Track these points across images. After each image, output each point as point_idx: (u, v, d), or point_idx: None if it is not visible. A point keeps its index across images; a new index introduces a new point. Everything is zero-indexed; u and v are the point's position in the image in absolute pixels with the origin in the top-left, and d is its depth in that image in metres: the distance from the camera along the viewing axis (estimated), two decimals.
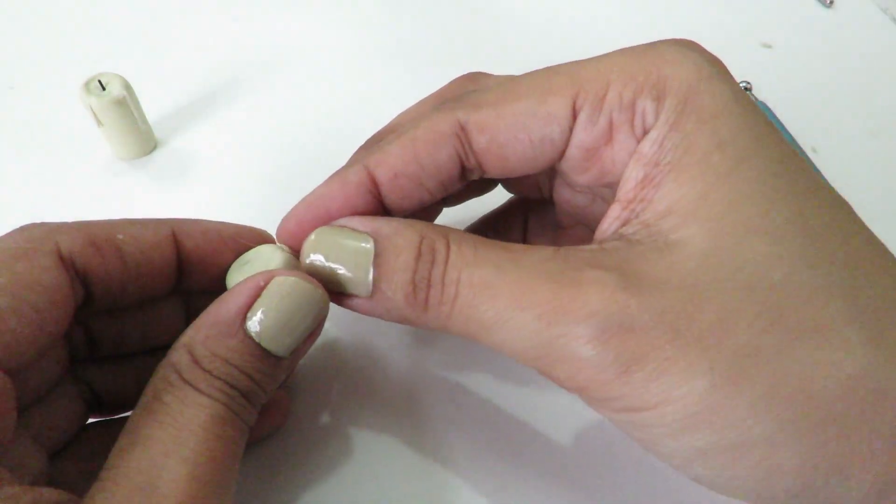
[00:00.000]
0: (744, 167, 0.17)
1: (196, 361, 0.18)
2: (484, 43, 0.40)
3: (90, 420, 0.23)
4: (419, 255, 0.19)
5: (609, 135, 0.19)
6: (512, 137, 0.20)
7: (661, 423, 0.17)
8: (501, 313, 0.18)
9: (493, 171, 0.21)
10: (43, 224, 0.20)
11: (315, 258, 0.20)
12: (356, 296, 0.20)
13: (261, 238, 0.23)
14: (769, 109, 0.38)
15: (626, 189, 0.19)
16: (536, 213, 0.26)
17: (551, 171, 0.23)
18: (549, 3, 0.43)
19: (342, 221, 0.20)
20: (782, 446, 0.16)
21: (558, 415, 0.26)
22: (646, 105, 0.18)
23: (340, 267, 0.20)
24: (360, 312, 0.20)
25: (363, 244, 0.19)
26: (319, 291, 0.20)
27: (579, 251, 0.18)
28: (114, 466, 0.17)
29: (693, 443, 0.17)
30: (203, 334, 0.19)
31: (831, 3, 0.44)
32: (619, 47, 0.20)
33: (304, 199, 0.21)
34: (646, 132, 0.18)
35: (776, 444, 0.16)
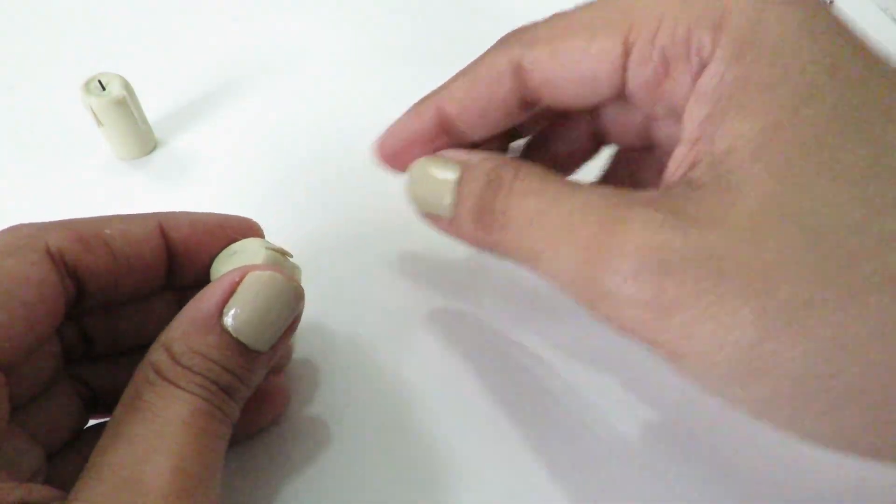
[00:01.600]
0: (815, 101, 0.16)
1: (175, 359, 0.19)
2: (484, 43, 0.40)
3: (91, 422, 0.23)
4: (488, 182, 0.20)
5: (666, 70, 0.18)
6: (565, 75, 0.20)
7: (713, 373, 0.16)
8: (548, 245, 0.19)
9: (550, 103, 0.22)
10: (31, 224, 0.20)
11: (413, 182, 0.23)
12: (442, 218, 0.22)
13: (247, 226, 0.23)
14: None
15: (689, 129, 0.18)
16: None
17: (641, 117, 0.23)
18: (548, 4, 0.42)
19: (442, 153, 0.23)
20: (843, 404, 0.15)
21: (559, 409, 0.26)
22: (702, 37, 0.17)
23: (431, 191, 0.22)
24: (445, 234, 0.22)
25: (450, 173, 0.21)
26: (293, 285, 0.20)
27: (640, 192, 0.18)
28: (97, 464, 0.17)
29: (754, 393, 0.16)
30: (181, 332, 0.19)
31: (831, 3, 0.44)
32: None
33: (388, 129, 0.24)
34: (703, 66, 0.17)
35: (843, 404, 0.15)
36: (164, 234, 0.22)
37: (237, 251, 0.22)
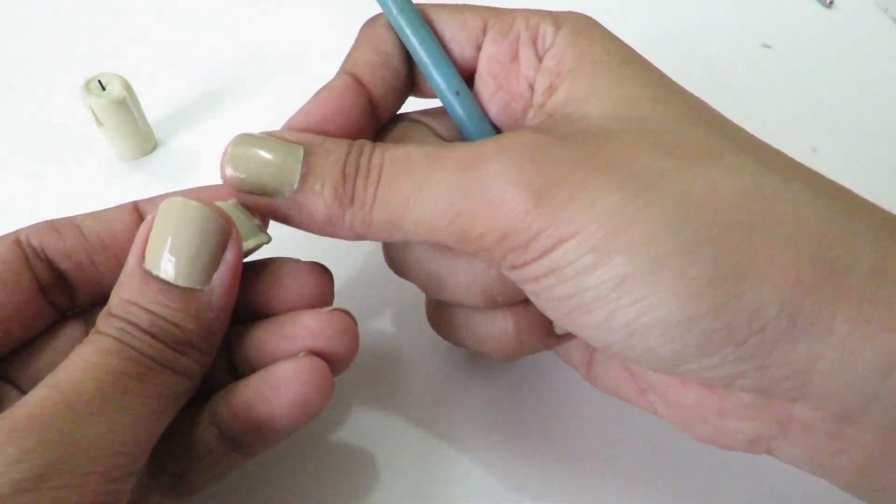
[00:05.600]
0: (629, 66, 0.21)
1: (109, 311, 0.19)
2: None
3: None
4: (350, 151, 0.20)
5: (515, 52, 0.22)
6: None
7: (582, 255, 0.17)
8: (419, 180, 0.19)
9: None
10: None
11: (237, 158, 0.20)
12: (279, 197, 0.20)
13: (223, 195, 0.22)
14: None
15: (536, 97, 0.22)
16: None
17: None
18: (548, 4, 0.42)
19: (271, 132, 0.21)
20: (697, 256, 0.17)
21: (560, 406, 0.26)
22: (547, 28, 0.22)
23: (269, 161, 0.20)
24: (281, 216, 0.21)
25: (293, 146, 0.20)
26: (207, 210, 0.19)
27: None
28: None
29: (614, 270, 0.17)
30: (117, 285, 0.19)
31: (831, 3, 0.44)
32: None
33: (299, 111, 0.22)
34: (546, 51, 0.21)
35: (691, 255, 0.17)
36: (138, 210, 0.22)
37: None
